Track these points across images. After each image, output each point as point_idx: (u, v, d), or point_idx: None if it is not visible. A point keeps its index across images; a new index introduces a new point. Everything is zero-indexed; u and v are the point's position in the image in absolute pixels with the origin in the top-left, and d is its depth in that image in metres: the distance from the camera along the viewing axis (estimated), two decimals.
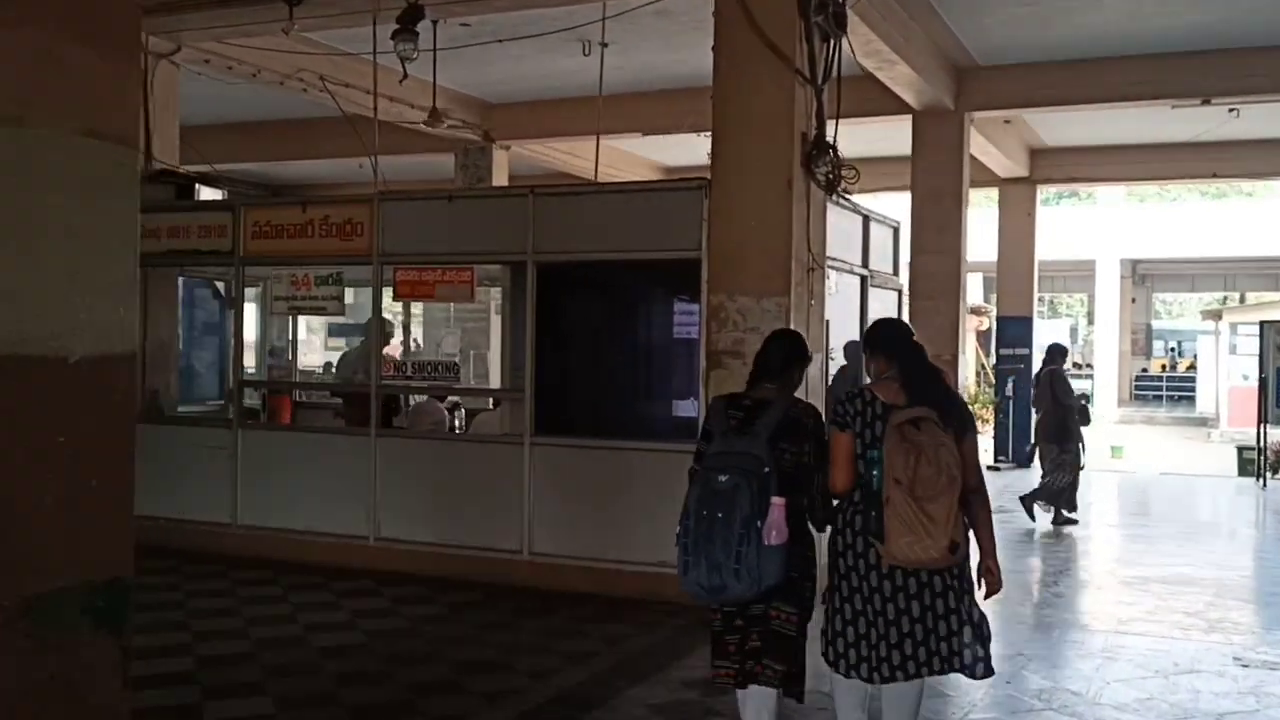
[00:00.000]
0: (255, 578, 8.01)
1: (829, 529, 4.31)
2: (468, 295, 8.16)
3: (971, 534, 4.16)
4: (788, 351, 4.60)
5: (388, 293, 8.48)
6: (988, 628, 4.19)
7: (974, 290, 33.43)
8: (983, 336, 33.06)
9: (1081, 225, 30.49)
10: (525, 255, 7.89)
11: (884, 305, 9.55)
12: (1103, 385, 30.28)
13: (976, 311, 32.25)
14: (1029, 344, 17.28)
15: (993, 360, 18.69)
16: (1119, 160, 16.34)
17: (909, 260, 12.66)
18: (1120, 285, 31.31)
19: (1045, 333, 44.67)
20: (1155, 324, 40.19)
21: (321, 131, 13.53)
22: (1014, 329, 17.38)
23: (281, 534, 8.59)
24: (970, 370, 31.61)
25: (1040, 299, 42.97)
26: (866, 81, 11.68)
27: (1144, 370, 35.75)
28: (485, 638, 6.58)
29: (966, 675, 4.20)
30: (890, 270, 9.61)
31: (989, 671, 4.20)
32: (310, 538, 8.50)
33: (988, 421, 17.42)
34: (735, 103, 7.38)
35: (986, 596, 4.24)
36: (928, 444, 3.93)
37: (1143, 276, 37.17)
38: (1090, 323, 41.76)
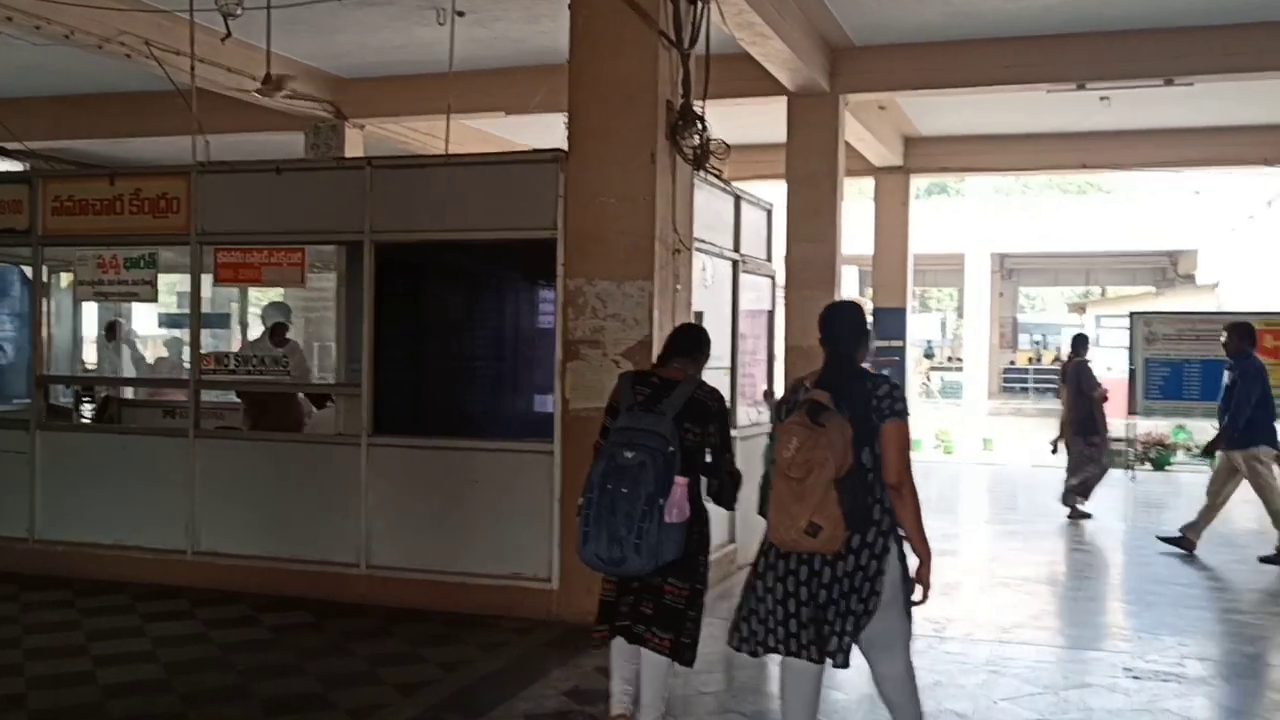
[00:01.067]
0: (50, 600, 7.04)
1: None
2: (298, 279, 7.29)
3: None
4: (698, 335, 4.89)
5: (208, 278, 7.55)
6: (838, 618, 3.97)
7: (851, 283, 33.61)
8: None
9: (951, 219, 30.75)
10: (362, 234, 7.07)
11: (757, 294, 9.01)
12: (972, 378, 30.68)
13: None
14: (903, 336, 17.03)
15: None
16: (991, 150, 16.18)
17: (784, 249, 12.21)
18: (989, 279, 31.71)
19: (917, 326, 45.38)
20: (1021, 318, 41.08)
21: (152, 106, 12.40)
22: (890, 321, 17.10)
23: (87, 549, 7.61)
24: None
25: (912, 293, 43.88)
26: (740, 61, 11.13)
27: (1011, 363, 36.44)
28: (306, 667, 5.77)
29: (832, 663, 4.00)
30: (763, 256, 9.06)
31: (846, 662, 3.96)
32: (120, 553, 7.54)
33: None
34: (593, 67, 6.71)
35: (918, 603, 4.07)
36: (808, 427, 3.84)
37: (1009, 271, 37.90)
38: (960, 316, 42.52)
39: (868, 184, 17.37)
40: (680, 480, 4.28)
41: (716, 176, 7.51)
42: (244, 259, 7.28)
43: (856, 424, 3.90)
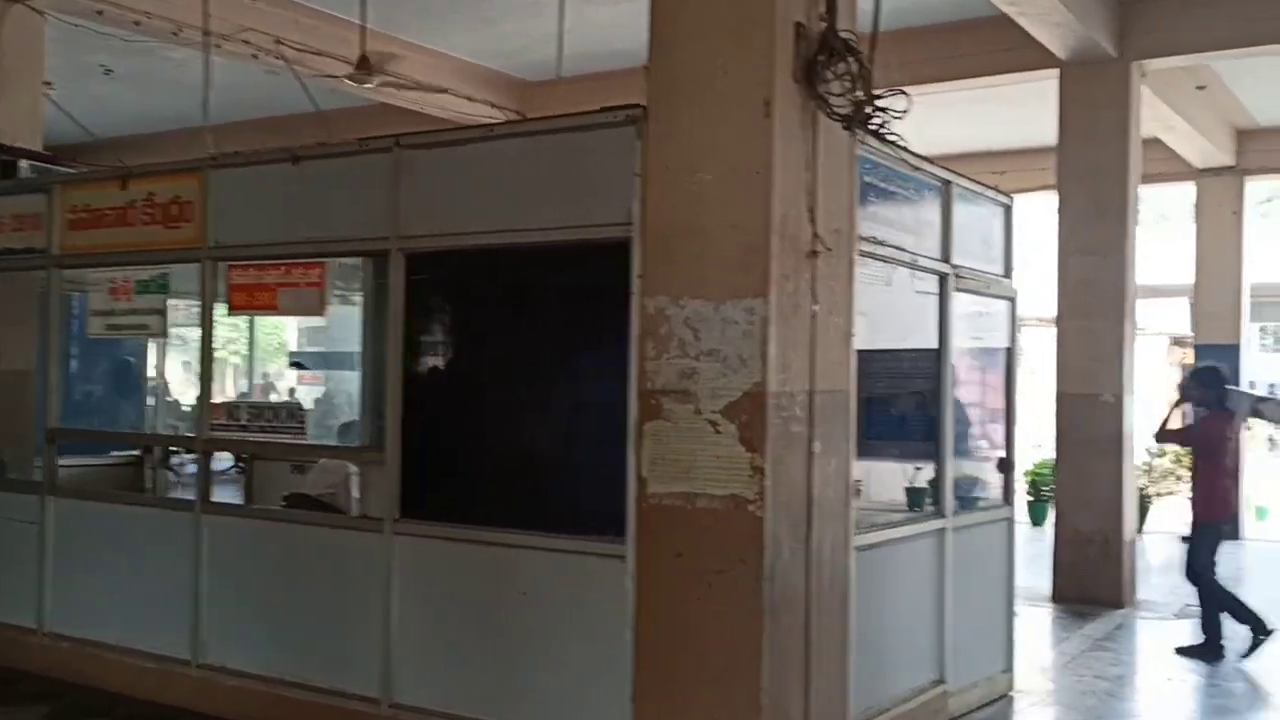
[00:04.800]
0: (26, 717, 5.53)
1: None
2: (316, 305, 5.43)
3: None
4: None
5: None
6: None
7: (1181, 317, 28.97)
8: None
9: None
10: (388, 241, 5.13)
11: (985, 322, 6.40)
12: None
13: (1179, 343, 27.79)
14: (1235, 380, 13.39)
15: None
16: None
17: (1056, 266, 9.36)
18: None
19: (1268, 369, 39.25)
20: None
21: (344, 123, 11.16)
22: (1218, 359, 13.52)
23: (90, 650, 6.05)
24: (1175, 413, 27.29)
25: (1263, 328, 37.68)
26: (982, 26, 8.60)
27: None
28: None
29: None
30: (998, 270, 6.42)
31: None
32: (122, 658, 5.93)
33: (1181, 479, 13.59)
34: None
35: None
36: None
37: None
38: None
39: (1188, 190, 13.88)
40: None
41: (894, 142, 5.04)
42: (259, 279, 5.51)
43: None
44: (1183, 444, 6.96)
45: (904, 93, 4.68)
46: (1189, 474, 7.42)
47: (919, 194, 5.54)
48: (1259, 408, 7.41)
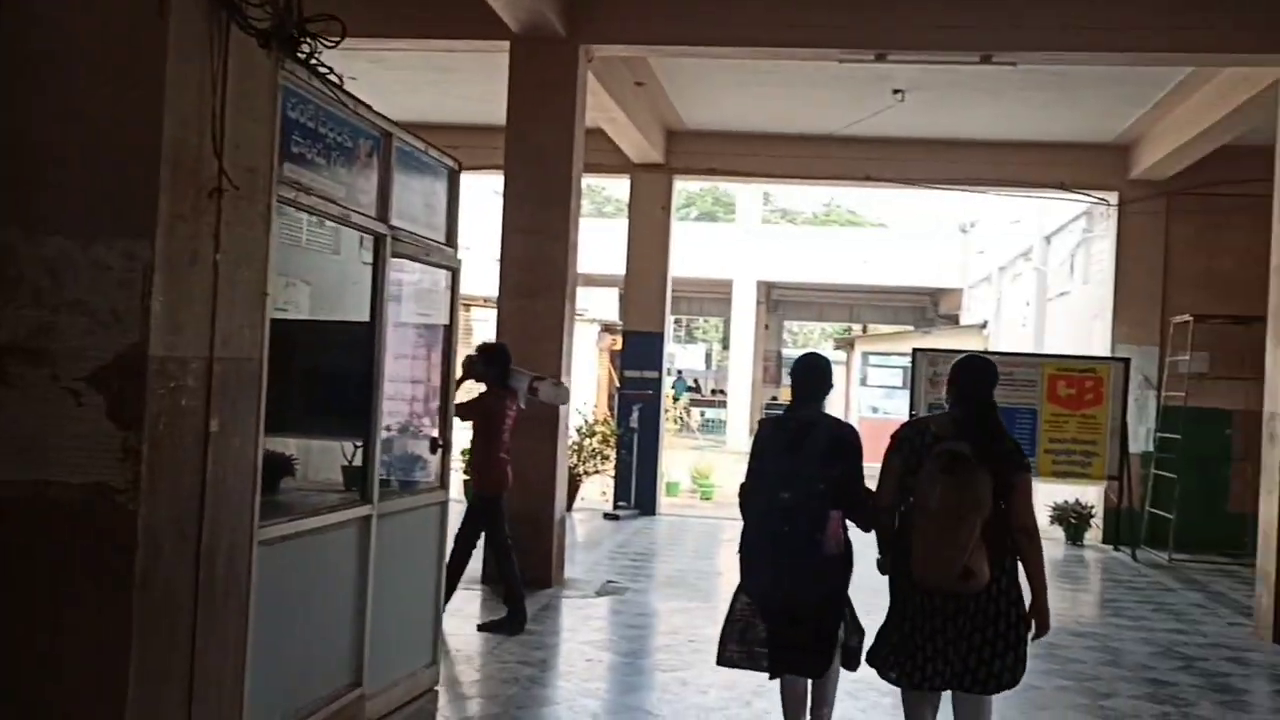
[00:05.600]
0: None
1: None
2: None
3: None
4: (826, 377, 4.91)
5: None
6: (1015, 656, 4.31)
7: (610, 306, 31.11)
8: (617, 357, 30.67)
9: (719, 243, 28.80)
10: None
11: (428, 294, 5.99)
12: (736, 412, 28.72)
13: (610, 329, 29.80)
14: (658, 365, 14.37)
15: (619, 385, 15.67)
16: (767, 150, 13.73)
17: (500, 245, 9.25)
18: (755, 310, 29.90)
19: (682, 357, 43.34)
20: (785, 352, 39.80)
21: None
22: (642, 347, 14.42)
23: None
24: (602, 396, 29.17)
25: (677, 321, 41.79)
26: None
27: (774, 398, 34.77)
28: None
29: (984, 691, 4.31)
30: (440, 238, 6.02)
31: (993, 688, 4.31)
32: None
33: (608, 459, 14.33)
34: None
35: (1035, 638, 4.40)
36: (956, 476, 4.20)
37: (775, 303, 36.50)
38: (725, 348, 40.87)
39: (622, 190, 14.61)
40: (834, 514, 4.61)
41: (328, 81, 4.41)
42: None
43: (995, 475, 4.25)
44: (464, 418, 6.99)
45: (338, 19, 4.08)
46: (470, 449, 7.56)
47: (355, 143, 4.94)
48: (536, 385, 7.63)
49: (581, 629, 7.79)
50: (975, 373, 4.54)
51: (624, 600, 8.72)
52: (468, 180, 6.38)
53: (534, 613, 8.00)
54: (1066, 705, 6.24)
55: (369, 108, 5.00)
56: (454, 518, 6.50)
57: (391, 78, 11.17)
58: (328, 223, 5.00)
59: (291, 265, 5.17)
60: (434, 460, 6.18)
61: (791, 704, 4.82)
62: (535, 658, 6.83)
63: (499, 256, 9.17)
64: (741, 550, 4.81)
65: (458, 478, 13.64)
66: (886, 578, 4.52)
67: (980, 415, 4.42)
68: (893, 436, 4.56)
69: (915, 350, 13.60)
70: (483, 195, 17.71)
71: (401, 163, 5.38)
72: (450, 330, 6.22)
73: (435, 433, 6.22)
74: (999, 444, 4.39)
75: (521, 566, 8.37)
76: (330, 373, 5.61)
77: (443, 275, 6.12)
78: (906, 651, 4.35)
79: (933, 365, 13.22)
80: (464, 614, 7.90)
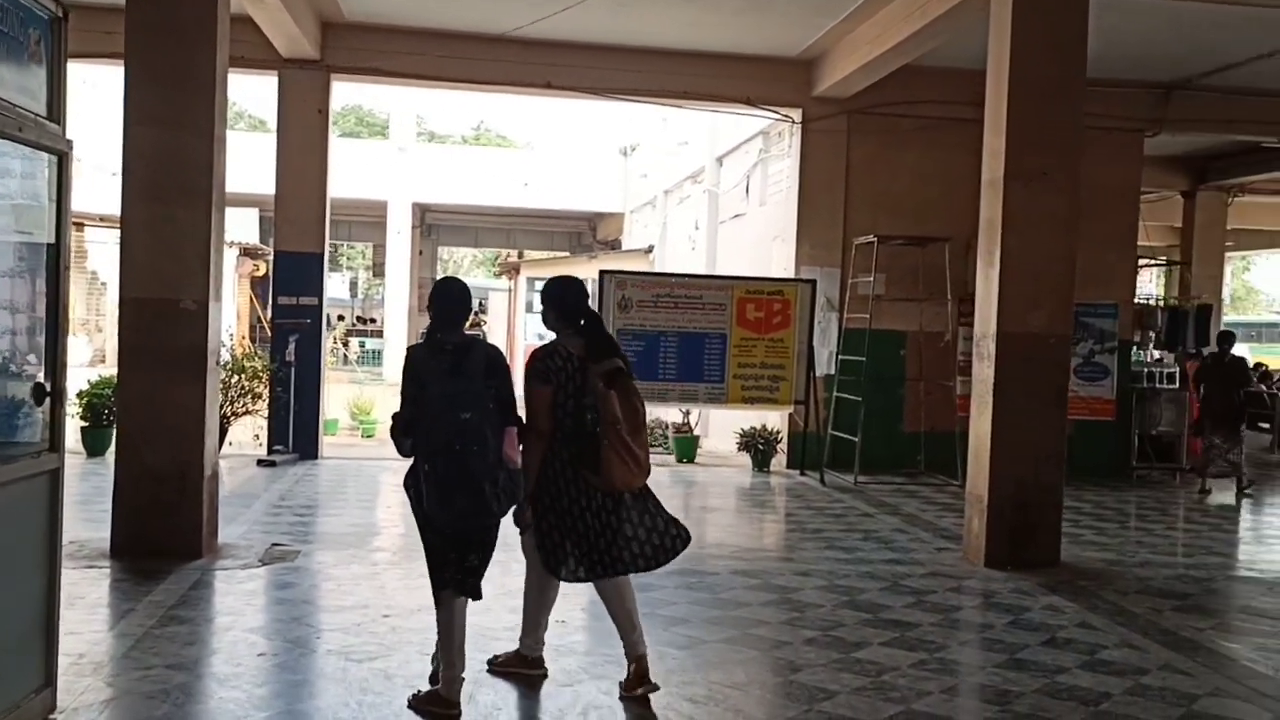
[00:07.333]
0: None
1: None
2: None
3: None
4: (466, 301, 4.84)
5: None
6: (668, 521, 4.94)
7: (251, 228, 28.35)
8: (259, 285, 27.95)
9: (370, 160, 26.79)
10: None
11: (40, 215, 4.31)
12: (393, 341, 27.06)
13: (250, 253, 27.09)
14: (318, 290, 12.72)
15: (271, 315, 13.81)
16: (438, 49, 12.30)
17: (123, 136, 7.40)
18: (411, 235, 28.27)
19: (329, 286, 40.92)
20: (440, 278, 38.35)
21: None
22: (298, 269, 12.70)
23: None
24: (243, 326, 26.56)
25: (335, 246, 39.08)
26: None
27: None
28: None
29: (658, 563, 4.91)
30: (41, 110, 4.34)
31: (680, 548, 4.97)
32: None
33: (261, 397, 12.56)
34: None
35: None
36: (629, 390, 4.78)
37: (430, 227, 34.86)
38: (376, 275, 38.71)
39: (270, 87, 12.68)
40: (510, 430, 4.70)
41: None
42: None
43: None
44: None
45: None
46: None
47: None
48: None
49: (246, 612, 6.34)
50: (580, 291, 5.01)
51: (294, 568, 7.29)
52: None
53: (182, 594, 6.47)
54: (823, 664, 5.58)
55: None
56: (78, 485, 4.88)
57: None
58: None
59: None
60: (40, 413, 4.54)
61: (460, 629, 4.72)
62: (188, 658, 5.35)
63: (122, 152, 7.32)
64: (423, 480, 4.57)
65: (76, 432, 11.48)
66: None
67: (600, 330, 4.99)
68: (529, 368, 4.82)
69: (602, 273, 12.78)
70: (74, 88, 15.21)
71: None
72: (61, 237, 4.56)
73: (41, 376, 4.56)
74: (619, 351, 4.95)
75: (163, 533, 6.80)
76: None
77: (44, 164, 4.45)
78: (597, 549, 4.82)
79: (621, 289, 12.49)
80: (88, 602, 6.25)
